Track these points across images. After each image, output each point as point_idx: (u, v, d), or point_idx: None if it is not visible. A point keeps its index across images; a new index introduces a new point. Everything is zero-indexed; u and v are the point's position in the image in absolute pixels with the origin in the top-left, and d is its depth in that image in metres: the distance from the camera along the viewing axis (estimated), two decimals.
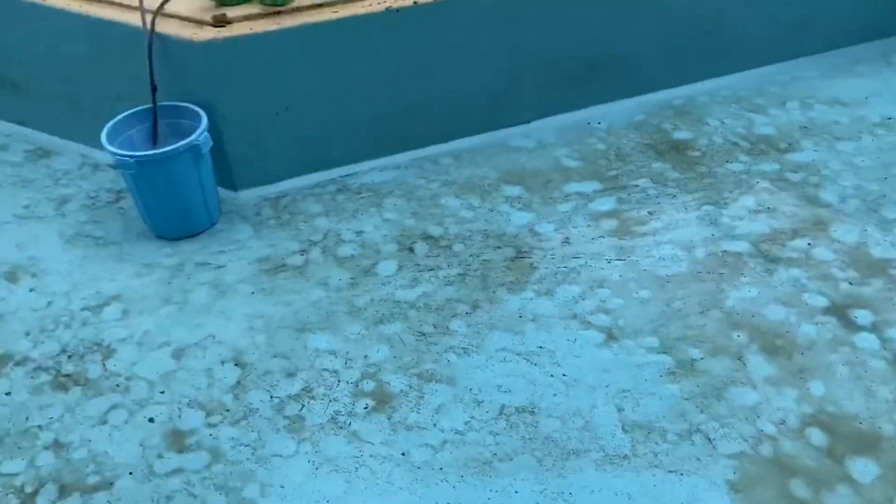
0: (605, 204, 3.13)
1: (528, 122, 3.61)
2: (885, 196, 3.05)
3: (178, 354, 2.59)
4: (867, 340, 2.45)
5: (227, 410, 2.40)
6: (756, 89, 3.79)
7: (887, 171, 3.19)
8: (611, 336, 2.55)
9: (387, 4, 3.13)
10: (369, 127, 3.35)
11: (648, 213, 3.07)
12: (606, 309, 2.65)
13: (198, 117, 3.00)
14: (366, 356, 2.54)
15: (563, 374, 2.43)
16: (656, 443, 2.20)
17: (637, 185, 3.22)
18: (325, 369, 2.51)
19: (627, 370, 2.42)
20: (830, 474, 2.08)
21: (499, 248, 2.95)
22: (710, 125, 3.57)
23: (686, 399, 2.32)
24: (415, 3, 3.15)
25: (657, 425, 2.25)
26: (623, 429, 2.25)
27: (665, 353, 2.47)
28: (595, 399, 2.34)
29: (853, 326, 2.50)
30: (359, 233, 3.06)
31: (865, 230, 2.89)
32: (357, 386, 2.45)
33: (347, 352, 2.56)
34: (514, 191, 3.24)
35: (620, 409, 2.30)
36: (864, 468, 2.09)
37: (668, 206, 3.10)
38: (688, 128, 3.56)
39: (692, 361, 2.44)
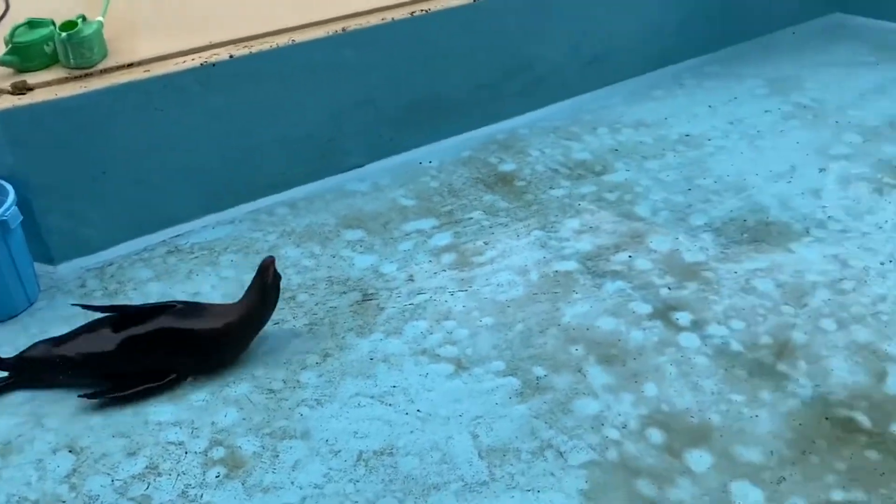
0: (443, 239, 3.22)
1: (361, 165, 3.66)
2: (690, 206, 3.35)
3: (2, 452, 2.36)
4: (689, 339, 2.66)
5: (63, 502, 2.21)
6: (570, 118, 4.06)
7: (690, 182, 3.51)
8: (460, 366, 2.60)
9: (202, 60, 3.08)
10: (196, 183, 3.26)
11: (484, 243, 3.18)
12: (453, 340, 2.71)
13: (3, 191, 2.80)
14: (213, 422, 2.44)
15: (418, 411, 2.44)
16: (512, 464, 2.26)
17: (471, 218, 3.33)
18: (171, 442, 2.38)
19: (478, 397, 2.48)
20: (671, 469, 2.23)
21: (344, 293, 2.94)
22: (532, 155, 3.77)
23: (535, 417, 2.40)
24: (231, 56, 3.12)
25: (511, 447, 2.31)
26: (479, 455, 2.29)
27: (512, 374, 2.56)
28: (450, 430, 2.37)
29: (676, 328, 2.71)
30: (195, 294, 2.94)
31: (677, 238, 3.15)
32: (206, 455, 2.34)
33: (193, 420, 2.44)
34: (354, 234, 3.26)
35: (475, 437, 2.35)
36: (699, 459, 2.25)
37: (501, 234, 3.23)
38: (512, 159, 3.74)
39: (537, 379, 2.53)
